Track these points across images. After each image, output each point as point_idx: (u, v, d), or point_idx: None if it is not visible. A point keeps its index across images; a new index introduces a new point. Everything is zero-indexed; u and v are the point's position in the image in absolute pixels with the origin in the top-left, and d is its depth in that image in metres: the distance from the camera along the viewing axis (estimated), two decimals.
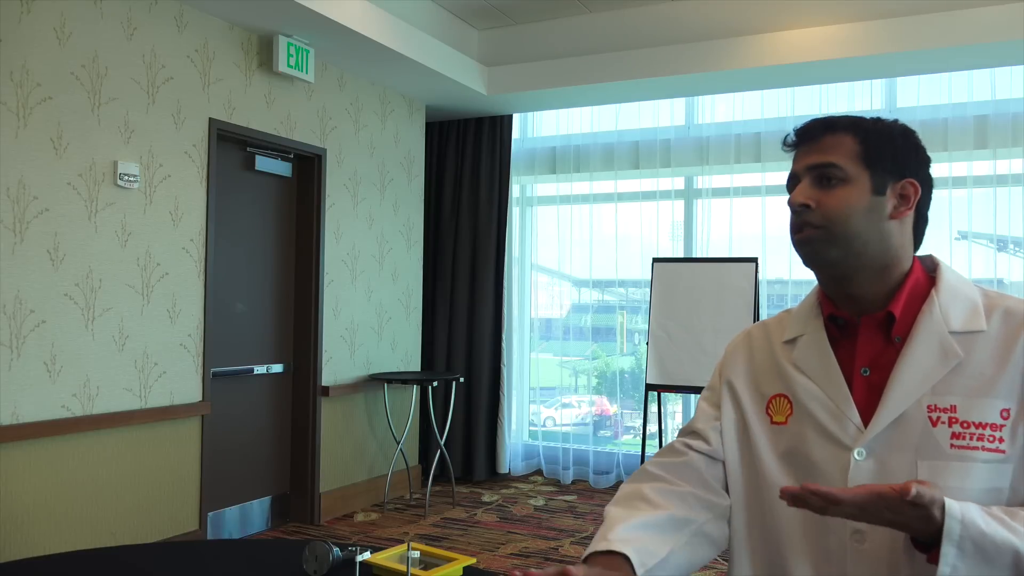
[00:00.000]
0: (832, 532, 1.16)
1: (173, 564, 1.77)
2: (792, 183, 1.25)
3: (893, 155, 1.20)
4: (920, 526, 1.01)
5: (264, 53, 4.40)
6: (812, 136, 1.22)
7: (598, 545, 1.17)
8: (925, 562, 1.04)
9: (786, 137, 1.26)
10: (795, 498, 1.01)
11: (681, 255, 5.70)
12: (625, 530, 1.19)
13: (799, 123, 1.26)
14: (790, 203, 1.21)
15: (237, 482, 4.47)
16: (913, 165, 1.21)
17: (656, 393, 5.11)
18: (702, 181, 5.73)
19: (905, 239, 1.22)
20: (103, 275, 3.59)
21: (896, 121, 1.24)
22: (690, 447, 1.32)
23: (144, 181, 3.77)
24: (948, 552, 0.99)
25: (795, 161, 1.25)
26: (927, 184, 1.23)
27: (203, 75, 4.07)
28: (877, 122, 1.22)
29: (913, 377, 1.15)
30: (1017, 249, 4.89)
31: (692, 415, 1.39)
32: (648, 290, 5.25)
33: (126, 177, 3.67)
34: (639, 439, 5.20)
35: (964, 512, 1.00)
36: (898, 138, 1.21)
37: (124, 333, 3.69)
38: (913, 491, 0.96)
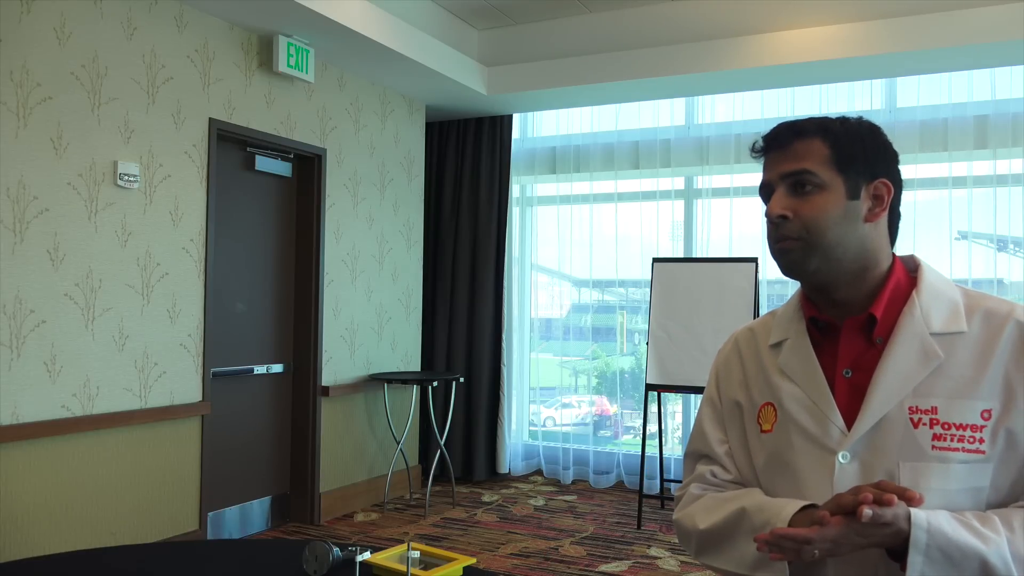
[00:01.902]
0: None
1: (173, 564, 1.77)
2: (766, 191, 1.24)
3: (864, 156, 1.19)
4: (892, 540, 1.05)
5: (264, 53, 4.40)
6: (782, 143, 1.22)
7: (787, 509, 1.14)
8: (899, 570, 1.07)
9: (754, 144, 1.26)
10: (770, 545, 1.05)
11: (681, 255, 5.70)
12: (767, 500, 1.21)
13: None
14: (767, 214, 1.21)
15: (237, 482, 4.47)
16: (883, 164, 1.21)
17: (656, 393, 5.11)
18: (702, 181, 5.72)
19: (882, 240, 1.22)
20: (103, 275, 3.59)
21: (861, 119, 1.23)
22: (716, 476, 1.34)
23: (144, 181, 3.77)
24: (915, 560, 1.04)
25: (766, 169, 1.24)
26: (898, 181, 1.23)
27: (203, 75, 4.07)
28: (844, 123, 1.22)
29: (894, 379, 1.16)
30: (1017, 249, 4.88)
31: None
32: (648, 290, 5.25)
33: (126, 177, 3.67)
34: (639, 439, 5.20)
35: (931, 521, 1.04)
36: (866, 138, 1.21)
37: (124, 333, 3.69)
38: (865, 515, 1.00)
